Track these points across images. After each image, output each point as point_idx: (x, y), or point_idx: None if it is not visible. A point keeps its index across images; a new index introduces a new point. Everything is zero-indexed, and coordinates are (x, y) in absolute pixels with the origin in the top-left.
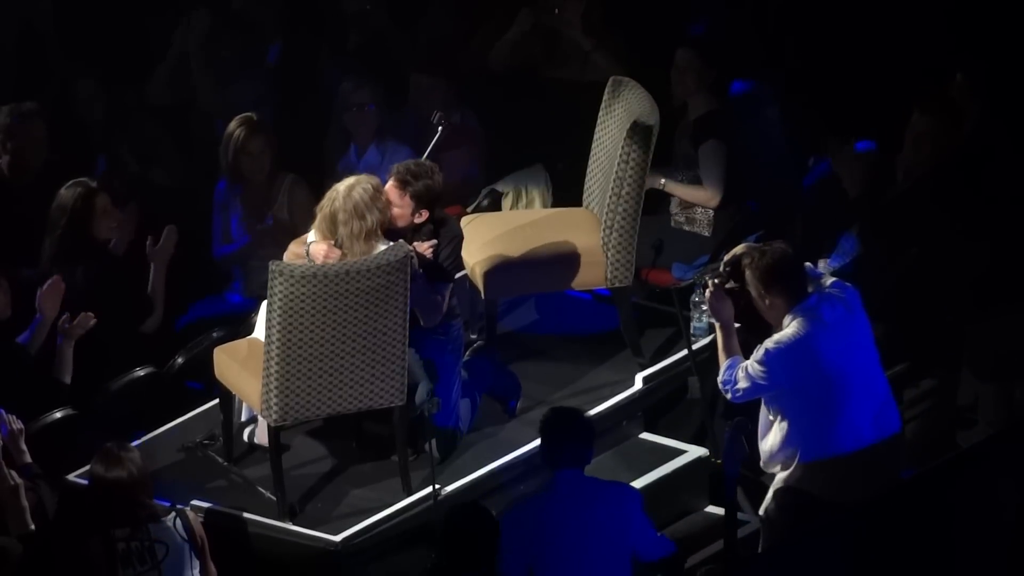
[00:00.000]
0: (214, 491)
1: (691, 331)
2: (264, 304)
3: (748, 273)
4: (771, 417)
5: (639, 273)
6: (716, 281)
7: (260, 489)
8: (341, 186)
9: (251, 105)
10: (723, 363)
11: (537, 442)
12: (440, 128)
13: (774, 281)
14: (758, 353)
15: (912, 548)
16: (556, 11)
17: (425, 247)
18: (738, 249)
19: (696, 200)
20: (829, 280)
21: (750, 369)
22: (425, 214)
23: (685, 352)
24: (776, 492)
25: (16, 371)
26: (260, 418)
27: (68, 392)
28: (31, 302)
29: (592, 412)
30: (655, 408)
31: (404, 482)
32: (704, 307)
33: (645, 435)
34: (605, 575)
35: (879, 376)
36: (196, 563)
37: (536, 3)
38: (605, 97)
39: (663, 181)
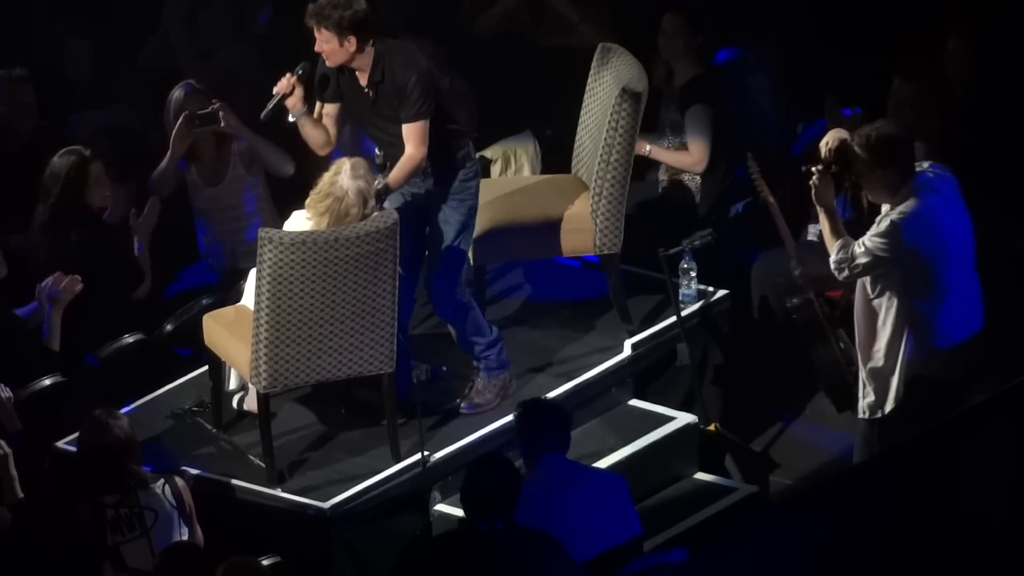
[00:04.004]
0: (203, 458)
1: (680, 298)
2: (253, 271)
3: (860, 149)
4: (877, 300)
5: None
6: (819, 168)
7: (249, 456)
8: (343, 181)
9: (235, 73)
10: (833, 245)
11: None
12: None
13: (890, 153)
14: (881, 225)
15: (906, 513)
16: None
17: None
18: (834, 134)
19: (682, 165)
20: (927, 164)
21: (869, 243)
22: (353, 40)
23: (674, 318)
24: (894, 386)
25: (9, 338)
26: (250, 385)
27: (57, 360)
28: (19, 270)
29: (581, 378)
30: (644, 374)
31: (393, 449)
32: (692, 273)
33: (634, 401)
34: (589, 558)
35: (973, 264)
36: (185, 529)
37: None
38: (594, 64)
39: (648, 148)
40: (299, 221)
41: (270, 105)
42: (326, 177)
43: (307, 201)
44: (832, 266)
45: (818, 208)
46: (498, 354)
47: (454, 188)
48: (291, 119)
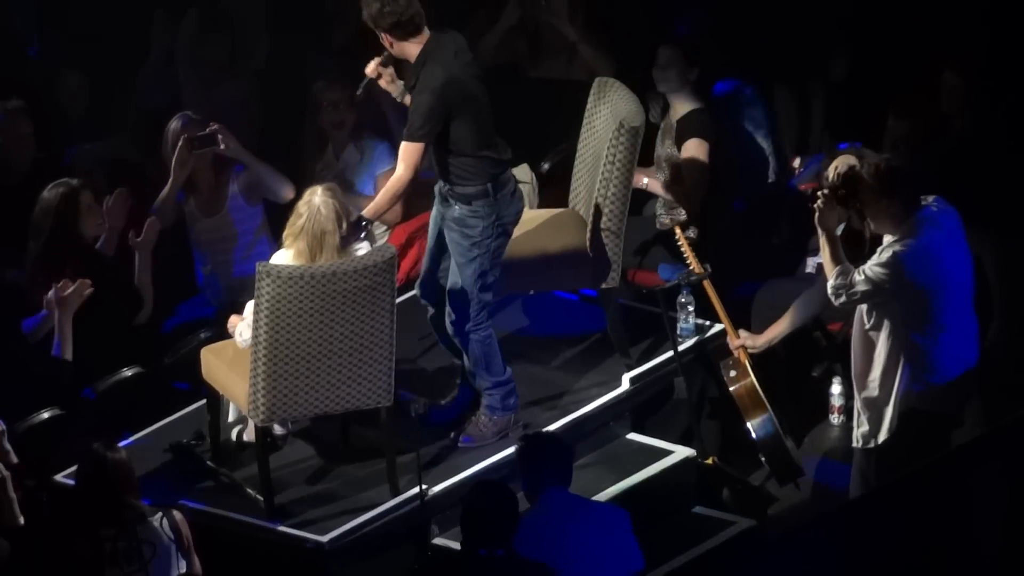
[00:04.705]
0: (201, 491)
1: (677, 332)
2: (250, 304)
3: (869, 177)
4: (873, 331)
5: (625, 274)
6: (826, 192)
7: (247, 489)
8: (315, 199)
9: (235, 106)
10: (832, 271)
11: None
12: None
13: (898, 183)
14: (883, 256)
15: (903, 546)
16: (543, 2)
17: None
18: (844, 160)
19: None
20: (931, 198)
21: (870, 272)
22: (386, 38)
23: (671, 353)
24: (888, 417)
25: (17, 360)
26: (248, 418)
27: (71, 371)
28: (16, 304)
29: (579, 412)
30: (642, 408)
31: (391, 483)
32: (690, 308)
33: (632, 436)
34: None
35: (971, 297)
36: (183, 563)
37: None
38: (591, 98)
39: (646, 181)
40: (281, 257)
41: (362, 85)
42: (299, 202)
43: (284, 233)
44: (830, 291)
45: (820, 232)
46: (504, 397)
47: (458, 217)
48: (396, 99)
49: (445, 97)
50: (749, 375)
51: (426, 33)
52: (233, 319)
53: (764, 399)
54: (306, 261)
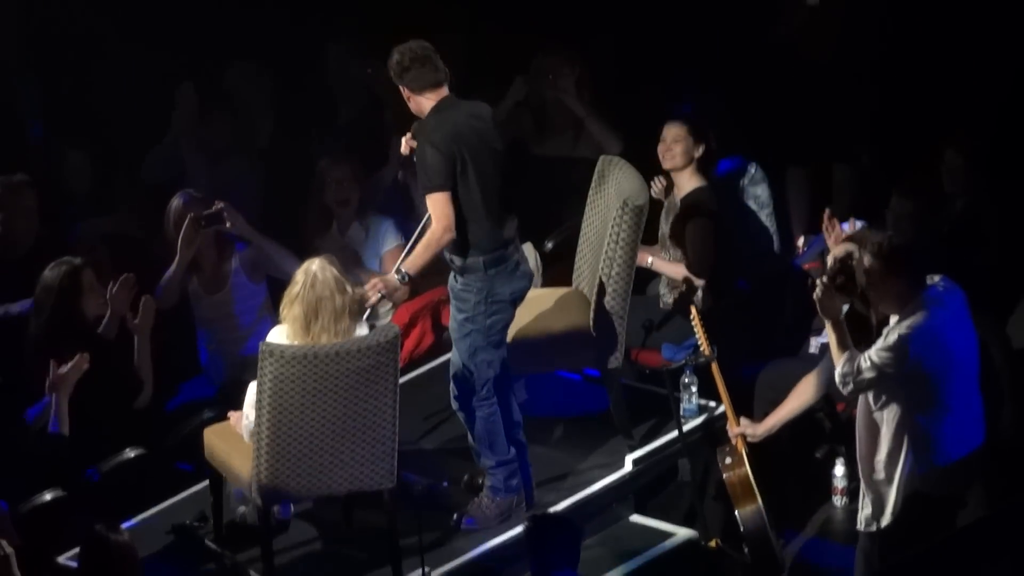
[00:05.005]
0: (205, 573)
1: (681, 412)
2: (253, 384)
3: (872, 257)
4: (878, 413)
5: (629, 354)
6: (824, 279)
7: (250, 571)
8: (312, 267)
9: (239, 183)
10: (839, 358)
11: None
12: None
13: (903, 261)
14: (888, 339)
15: None
16: (550, 77)
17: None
18: (842, 247)
19: (683, 277)
20: (937, 277)
21: (875, 357)
22: (403, 89)
23: (675, 434)
24: (892, 499)
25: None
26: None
27: (68, 448)
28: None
29: (582, 493)
30: (645, 490)
31: (394, 566)
32: (694, 388)
33: (635, 517)
34: None
35: (977, 379)
36: None
37: (528, 73)
38: (595, 176)
39: (650, 259)
40: (278, 332)
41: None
42: (296, 271)
43: (281, 305)
44: (838, 379)
45: (824, 320)
46: (506, 477)
47: (456, 289)
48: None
49: (443, 147)
50: (744, 465)
51: (445, 91)
52: (233, 416)
53: (756, 490)
54: (301, 328)
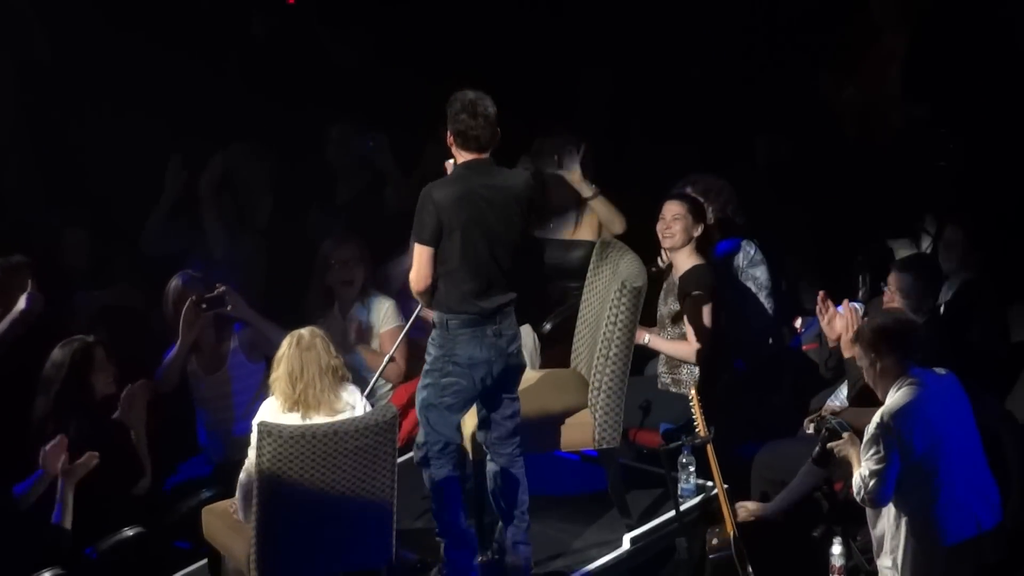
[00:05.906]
0: None
1: (679, 492)
2: (250, 457)
3: (859, 342)
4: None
5: (627, 434)
6: (820, 450)
7: None
8: (299, 331)
9: (238, 264)
10: (855, 473)
11: None
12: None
13: (884, 342)
14: (868, 433)
15: None
16: (555, 158)
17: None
18: (827, 406)
19: (680, 356)
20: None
21: (866, 463)
22: (450, 138)
23: (673, 513)
24: None
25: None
26: None
27: (70, 539)
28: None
29: (580, 572)
30: (643, 569)
31: None
32: (691, 468)
33: None
34: None
35: (982, 459)
36: None
37: (532, 152)
38: (593, 258)
39: (648, 337)
40: (269, 405)
41: None
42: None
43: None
44: (855, 493)
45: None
46: (454, 548)
47: (430, 339)
48: None
49: (439, 207)
50: (730, 548)
51: (482, 155)
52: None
53: (742, 571)
54: (287, 386)
